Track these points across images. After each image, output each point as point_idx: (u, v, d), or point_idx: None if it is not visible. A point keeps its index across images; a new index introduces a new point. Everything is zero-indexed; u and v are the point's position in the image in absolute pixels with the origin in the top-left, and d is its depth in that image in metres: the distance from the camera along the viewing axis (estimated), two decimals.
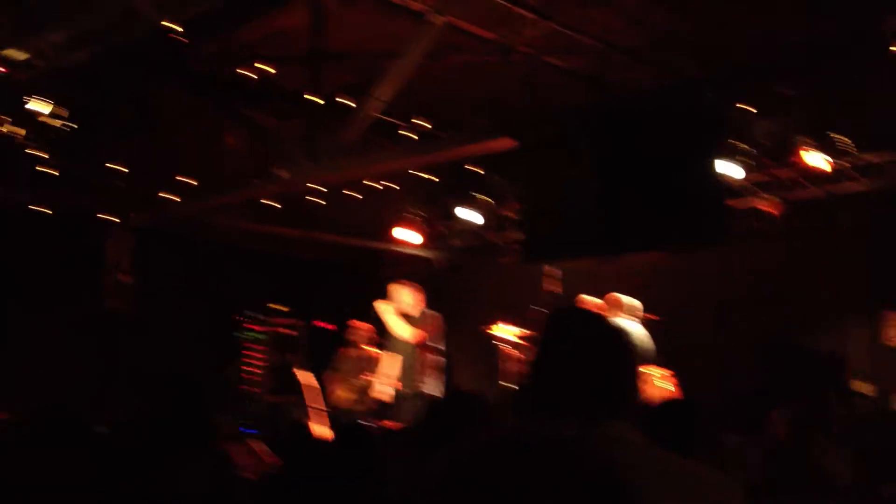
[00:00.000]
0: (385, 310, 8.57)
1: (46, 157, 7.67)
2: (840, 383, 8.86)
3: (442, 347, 8.67)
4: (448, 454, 1.85)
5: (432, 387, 8.50)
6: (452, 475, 1.77)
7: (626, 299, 8.69)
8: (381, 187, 10.27)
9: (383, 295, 9.07)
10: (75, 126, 7.13)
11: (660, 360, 8.81)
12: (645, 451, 1.90)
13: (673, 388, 8.92)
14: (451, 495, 1.73)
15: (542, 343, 2.07)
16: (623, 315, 8.55)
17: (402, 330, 8.50)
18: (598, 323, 2.08)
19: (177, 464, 2.78)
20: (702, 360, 9.38)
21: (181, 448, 2.79)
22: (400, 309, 8.66)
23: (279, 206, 9.95)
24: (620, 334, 2.07)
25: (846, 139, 8.36)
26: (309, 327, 11.78)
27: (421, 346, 8.53)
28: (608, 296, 8.61)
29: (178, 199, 9.11)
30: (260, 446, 7.59)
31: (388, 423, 7.68)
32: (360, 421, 5.57)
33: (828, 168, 8.50)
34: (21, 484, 1.91)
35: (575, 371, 1.95)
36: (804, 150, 8.37)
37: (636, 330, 8.48)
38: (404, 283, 8.89)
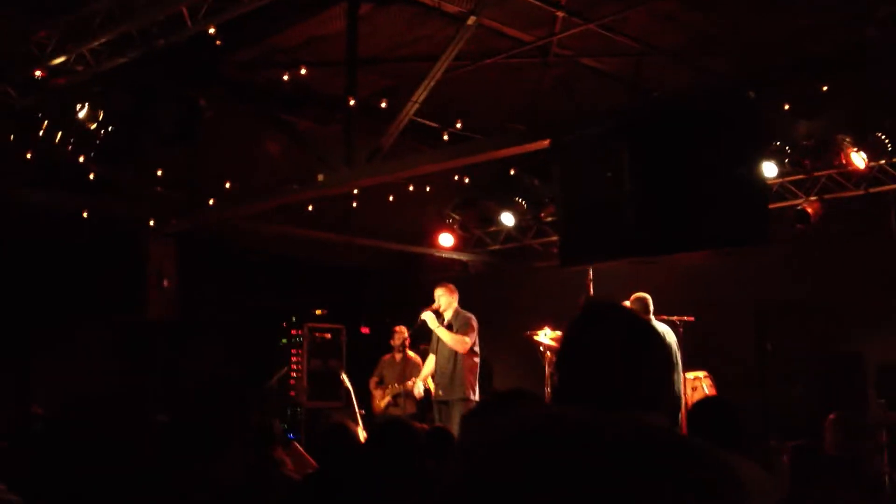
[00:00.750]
0: (431, 321, 8.55)
1: (88, 163, 7.77)
2: (889, 389, 8.70)
3: (477, 348, 8.63)
4: (477, 441, 1.84)
5: (472, 392, 8.46)
6: (479, 465, 1.75)
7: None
8: (419, 191, 10.30)
9: (422, 298, 9.07)
10: (117, 132, 7.22)
11: (697, 362, 8.73)
12: (672, 438, 1.88)
13: (709, 391, 8.84)
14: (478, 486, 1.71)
15: (571, 338, 2.06)
16: (650, 317, 8.48)
17: (451, 339, 8.48)
18: (629, 317, 2.06)
19: (224, 460, 2.80)
20: (740, 363, 9.27)
21: (229, 446, 2.80)
22: (435, 308, 8.64)
23: (318, 211, 10.02)
24: (650, 329, 2.05)
25: (885, 139, 8.24)
26: (349, 333, 11.84)
27: (463, 353, 8.51)
28: (634, 296, 8.53)
29: (219, 205, 9.19)
30: (300, 449, 7.65)
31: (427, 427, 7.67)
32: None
33: (864, 167, 8.39)
34: (70, 471, 1.93)
35: (604, 365, 1.94)
36: (846, 149, 8.26)
37: (665, 330, 8.41)
38: (438, 284, 8.88)
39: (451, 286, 8.84)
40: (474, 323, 8.60)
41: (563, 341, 2.09)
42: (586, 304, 2.16)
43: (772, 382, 9.18)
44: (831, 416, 5.96)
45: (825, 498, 4.16)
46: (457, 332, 8.49)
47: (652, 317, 8.42)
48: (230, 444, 2.85)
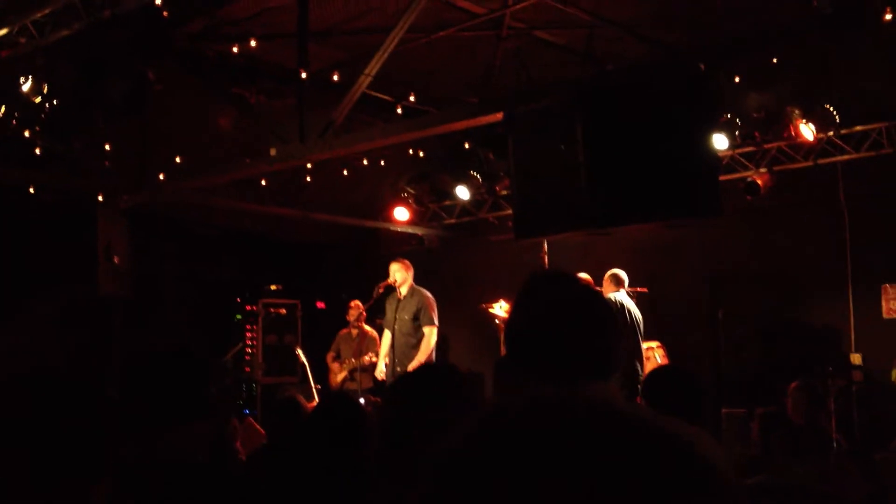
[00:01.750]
0: (385, 289, 8.58)
1: (34, 137, 7.61)
2: (837, 357, 8.89)
3: (435, 324, 8.66)
4: (458, 429, 1.83)
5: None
6: (462, 452, 1.74)
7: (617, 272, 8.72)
8: (373, 165, 10.25)
9: (378, 273, 9.07)
10: (63, 105, 7.07)
11: (650, 332, 8.84)
12: (630, 412, 1.89)
13: (662, 361, 8.97)
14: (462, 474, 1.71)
15: (522, 306, 2.05)
16: (624, 290, 8.58)
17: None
18: (578, 286, 2.07)
19: (174, 434, 2.78)
20: (692, 332, 9.42)
21: (180, 419, 2.78)
22: (390, 283, 8.65)
23: (271, 186, 9.93)
24: (601, 298, 2.06)
25: (833, 111, 8.36)
26: (304, 308, 11.79)
27: (415, 328, 8.53)
28: (610, 272, 8.64)
29: (170, 180, 9.06)
30: (255, 424, 7.63)
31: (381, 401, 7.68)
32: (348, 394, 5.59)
33: (812, 139, 8.53)
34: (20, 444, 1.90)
35: (556, 333, 1.94)
36: (795, 121, 8.37)
37: (632, 305, 8.51)
38: (394, 259, 8.88)
39: (407, 262, 8.84)
40: (433, 303, 8.63)
41: (511, 312, 2.09)
42: (532, 275, 2.15)
43: (723, 351, 9.33)
44: (794, 384, 6.05)
45: (792, 462, 4.24)
46: (421, 322, 8.54)
47: (624, 290, 8.53)
48: (190, 418, 2.83)
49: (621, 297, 8.47)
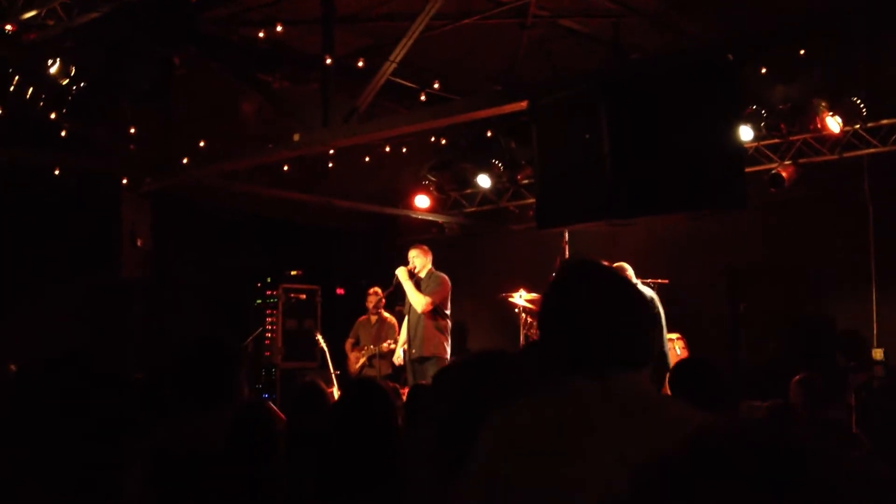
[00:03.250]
0: (402, 275, 8.57)
1: (60, 119, 7.64)
2: (859, 352, 8.84)
3: (447, 310, 8.66)
4: (497, 417, 1.84)
5: (445, 352, 8.50)
6: (507, 437, 1.76)
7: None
8: (395, 152, 10.25)
9: (398, 260, 9.07)
10: (89, 88, 7.10)
11: (671, 324, 8.81)
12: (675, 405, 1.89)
13: (681, 353, 8.93)
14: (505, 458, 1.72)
15: (556, 295, 2.04)
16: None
17: (413, 297, 8.50)
18: (610, 276, 2.06)
19: (196, 418, 2.79)
20: (713, 325, 9.38)
21: (210, 405, 2.79)
22: (410, 269, 8.65)
23: (294, 172, 9.94)
24: (632, 287, 2.05)
25: (860, 104, 8.29)
26: (324, 294, 11.83)
27: (430, 312, 8.53)
28: (616, 265, 8.57)
29: (193, 164, 9.09)
30: (274, 409, 7.66)
31: (399, 387, 7.71)
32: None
33: (838, 132, 8.46)
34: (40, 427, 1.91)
35: (591, 322, 1.93)
36: (821, 114, 8.30)
37: (652, 294, 8.48)
38: (413, 245, 8.89)
39: (426, 247, 8.84)
40: (446, 284, 8.62)
41: (544, 300, 2.08)
42: (566, 264, 2.14)
43: (743, 344, 9.29)
44: (796, 378, 6.08)
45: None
46: (425, 292, 8.52)
47: (637, 281, 8.47)
48: (217, 403, 2.84)
49: (645, 289, 8.44)
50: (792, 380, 6.07)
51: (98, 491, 1.86)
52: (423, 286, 8.58)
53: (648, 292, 8.45)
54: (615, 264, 8.44)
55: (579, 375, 1.84)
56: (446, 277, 8.66)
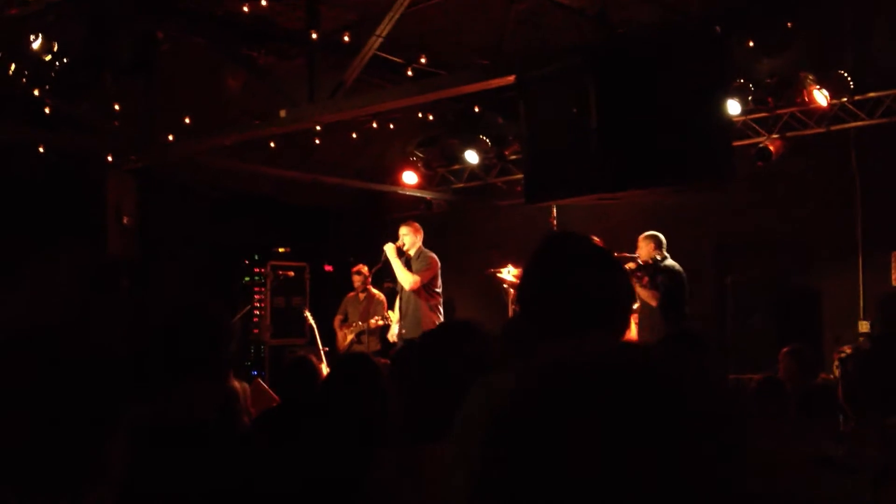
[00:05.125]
0: (390, 252, 8.53)
1: (44, 96, 7.57)
2: (845, 324, 8.90)
3: (438, 289, 8.65)
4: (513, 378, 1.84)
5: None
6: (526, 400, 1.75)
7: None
8: (382, 128, 10.20)
9: (386, 236, 9.05)
10: (72, 64, 7.02)
11: None
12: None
13: None
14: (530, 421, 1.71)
15: (534, 264, 2.04)
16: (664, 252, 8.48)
17: (401, 274, 8.48)
18: (591, 246, 2.07)
19: (189, 392, 2.77)
20: (700, 297, 9.41)
21: (195, 377, 2.77)
22: (399, 246, 8.62)
23: (280, 148, 9.89)
24: (613, 256, 2.05)
25: (848, 77, 8.29)
26: (312, 271, 11.81)
27: (422, 291, 8.51)
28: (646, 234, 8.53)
29: (178, 141, 9.03)
30: (264, 386, 7.66)
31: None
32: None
33: (826, 105, 8.46)
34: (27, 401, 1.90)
35: (568, 289, 1.94)
36: (808, 87, 8.30)
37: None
38: (403, 222, 8.86)
39: (416, 225, 8.81)
40: (434, 264, 8.59)
41: (524, 269, 2.08)
42: (546, 236, 2.14)
43: (731, 317, 9.34)
44: (786, 349, 6.12)
45: (787, 429, 4.26)
46: (413, 271, 8.50)
47: (666, 254, 8.42)
48: (205, 376, 2.82)
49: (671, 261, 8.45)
50: (781, 350, 6.10)
51: (80, 467, 1.85)
52: (412, 264, 8.56)
53: (672, 264, 8.38)
54: (646, 233, 8.42)
55: (557, 341, 1.84)
56: (435, 257, 8.63)
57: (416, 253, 8.62)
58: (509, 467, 0.77)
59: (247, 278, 11.50)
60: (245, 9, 7.87)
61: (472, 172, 11.66)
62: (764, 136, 9.22)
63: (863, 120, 8.78)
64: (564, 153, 6.73)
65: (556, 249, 2.03)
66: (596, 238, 2.04)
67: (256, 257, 11.52)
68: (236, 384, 6.09)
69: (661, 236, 8.37)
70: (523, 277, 2.08)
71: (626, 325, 1.99)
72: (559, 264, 1.97)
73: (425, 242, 8.78)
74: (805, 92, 8.42)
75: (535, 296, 2.00)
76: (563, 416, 0.75)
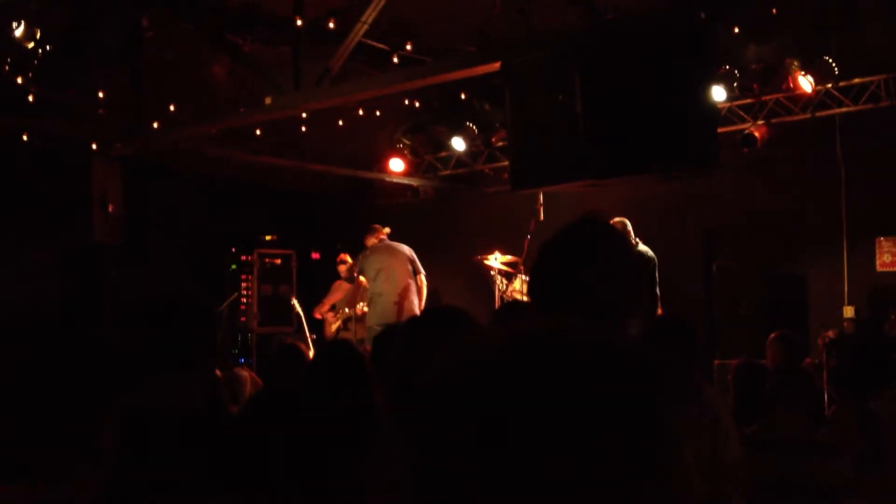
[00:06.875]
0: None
1: (27, 83, 7.52)
2: (830, 309, 8.96)
3: (422, 277, 8.75)
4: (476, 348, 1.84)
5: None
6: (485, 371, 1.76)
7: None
8: (369, 116, 10.18)
9: (373, 223, 9.09)
10: (56, 51, 6.97)
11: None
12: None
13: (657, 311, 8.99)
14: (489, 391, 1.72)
15: (555, 247, 2.05)
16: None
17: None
18: (609, 229, 2.08)
19: (177, 381, 2.77)
20: (687, 284, 9.45)
21: (182, 366, 2.77)
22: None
23: (266, 136, 9.86)
24: (628, 241, 2.07)
25: (832, 63, 8.32)
26: (299, 258, 11.80)
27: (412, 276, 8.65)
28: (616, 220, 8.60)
29: (164, 128, 8.99)
30: (248, 372, 7.66)
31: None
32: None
33: (811, 91, 8.49)
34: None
35: (587, 273, 1.94)
36: (793, 73, 8.33)
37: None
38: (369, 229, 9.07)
39: (376, 227, 9.11)
40: (363, 255, 8.90)
41: (543, 250, 2.07)
42: (574, 222, 2.12)
43: (717, 303, 9.38)
44: (773, 335, 6.15)
45: (768, 413, 4.29)
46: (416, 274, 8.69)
47: (637, 239, 8.49)
48: (192, 365, 2.82)
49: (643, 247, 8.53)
50: (769, 336, 6.11)
51: (68, 455, 1.85)
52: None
53: (645, 250, 8.44)
54: (614, 219, 8.47)
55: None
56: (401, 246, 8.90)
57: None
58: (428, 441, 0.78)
59: (234, 266, 11.48)
60: None
61: (459, 159, 11.66)
62: (749, 122, 9.24)
63: (848, 106, 8.81)
64: (550, 140, 6.72)
65: (575, 234, 2.03)
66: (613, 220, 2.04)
67: (243, 245, 11.50)
68: (244, 373, 6.13)
69: (627, 221, 8.38)
70: (540, 255, 2.06)
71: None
72: (556, 251, 1.98)
73: (411, 229, 8.85)
74: (790, 78, 8.44)
75: (546, 276, 2.01)
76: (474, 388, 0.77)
